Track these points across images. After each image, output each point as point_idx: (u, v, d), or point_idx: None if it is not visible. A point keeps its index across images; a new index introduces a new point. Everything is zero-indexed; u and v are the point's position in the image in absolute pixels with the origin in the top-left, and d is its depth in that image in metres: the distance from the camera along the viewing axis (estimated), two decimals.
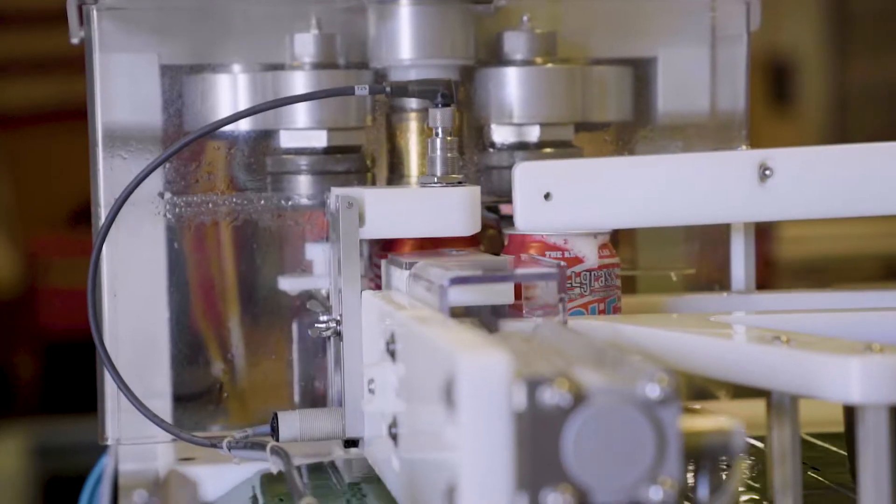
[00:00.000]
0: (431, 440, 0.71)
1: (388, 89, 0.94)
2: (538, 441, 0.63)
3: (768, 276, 1.98)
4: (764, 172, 0.93)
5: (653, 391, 0.64)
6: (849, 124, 3.10)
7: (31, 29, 2.92)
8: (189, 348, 1.02)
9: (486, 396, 0.64)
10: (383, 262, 0.90)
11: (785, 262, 2.09)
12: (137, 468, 1.02)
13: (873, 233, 2.04)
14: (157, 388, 1.01)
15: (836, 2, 3.09)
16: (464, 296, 0.77)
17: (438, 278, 0.76)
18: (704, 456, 0.67)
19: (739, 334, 0.82)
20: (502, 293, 0.78)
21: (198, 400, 1.03)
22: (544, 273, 0.81)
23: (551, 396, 0.63)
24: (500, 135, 1.02)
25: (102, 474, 1.10)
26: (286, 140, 1.00)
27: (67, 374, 2.79)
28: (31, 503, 2.64)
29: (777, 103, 2.93)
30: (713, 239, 1.07)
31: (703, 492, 0.68)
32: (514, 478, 0.64)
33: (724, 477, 0.67)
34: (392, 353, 0.80)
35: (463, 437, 0.64)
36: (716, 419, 0.67)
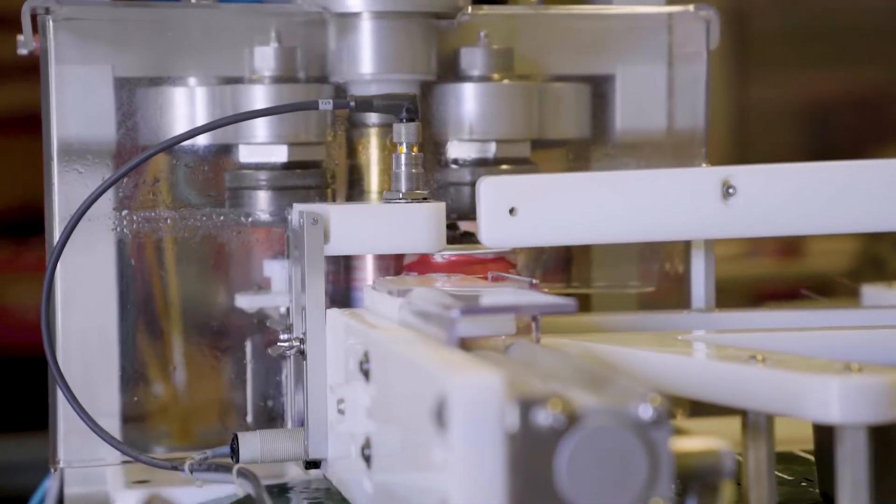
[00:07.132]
0: (416, 462, 0.69)
1: (352, 104, 0.92)
2: (531, 463, 0.62)
3: None
4: (727, 190, 0.93)
5: (645, 412, 0.64)
6: None
7: None
8: (139, 367, 0.99)
9: (479, 418, 0.63)
10: (365, 288, 0.89)
11: None
12: (84, 492, 0.99)
13: (734, 254, 2.01)
14: (106, 408, 0.98)
15: None
16: (471, 328, 0.75)
17: (443, 309, 0.74)
18: (694, 477, 0.67)
19: (713, 353, 0.82)
20: (505, 324, 0.77)
21: (146, 420, 1.01)
22: (559, 304, 0.79)
23: (545, 418, 0.62)
24: (458, 151, 1.01)
25: (44, 499, 1.06)
26: (245, 155, 0.98)
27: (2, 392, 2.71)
28: None
29: None
30: (670, 257, 1.07)
31: None
32: (507, 500, 0.63)
33: (712, 498, 0.67)
34: (366, 373, 0.79)
35: (454, 459, 0.63)
36: (706, 440, 0.67)
